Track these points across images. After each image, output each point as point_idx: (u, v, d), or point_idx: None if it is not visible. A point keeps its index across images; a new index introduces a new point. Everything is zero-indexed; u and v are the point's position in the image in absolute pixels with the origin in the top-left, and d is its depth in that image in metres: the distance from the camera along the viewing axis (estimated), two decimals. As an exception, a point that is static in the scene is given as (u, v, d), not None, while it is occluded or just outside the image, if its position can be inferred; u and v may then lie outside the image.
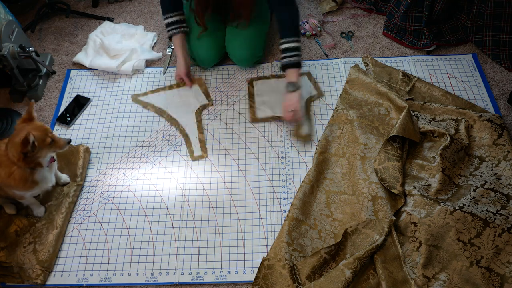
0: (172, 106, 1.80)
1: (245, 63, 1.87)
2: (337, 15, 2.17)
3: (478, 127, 1.62)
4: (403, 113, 1.60)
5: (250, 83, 1.85)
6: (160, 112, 1.79)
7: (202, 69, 1.94)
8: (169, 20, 1.73)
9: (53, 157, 1.41)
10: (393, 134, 1.54)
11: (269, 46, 2.03)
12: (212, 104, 1.78)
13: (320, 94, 1.82)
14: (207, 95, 1.83)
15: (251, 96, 1.81)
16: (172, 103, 1.82)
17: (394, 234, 1.39)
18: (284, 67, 1.64)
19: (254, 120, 1.74)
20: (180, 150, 1.69)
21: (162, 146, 1.70)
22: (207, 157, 1.64)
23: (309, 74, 1.88)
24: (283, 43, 1.61)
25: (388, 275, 1.32)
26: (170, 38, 1.79)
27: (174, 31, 1.74)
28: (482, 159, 1.56)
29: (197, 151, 1.67)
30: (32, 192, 1.40)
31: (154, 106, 1.81)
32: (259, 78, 1.87)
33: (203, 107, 1.79)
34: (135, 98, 1.85)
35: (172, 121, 1.75)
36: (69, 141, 1.38)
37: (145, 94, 1.86)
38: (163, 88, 1.87)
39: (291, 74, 1.62)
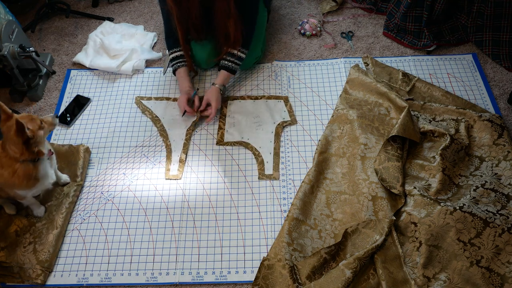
0: (168, 117, 1.78)
1: (244, 64, 1.86)
2: (337, 15, 2.17)
3: (478, 127, 1.62)
4: (403, 113, 1.60)
5: (225, 103, 1.81)
6: (155, 120, 1.77)
7: (202, 70, 1.94)
8: (174, 54, 1.78)
9: (50, 149, 1.41)
10: (393, 134, 1.54)
11: (269, 46, 2.03)
12: (198, 119, 1.75)
13: (294, 122, 1.74)
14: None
15: (222, 116, 1.77)
16: (169, 114, 1.79)
17: (394, 234, 1.39)
18: (224, 68, 1.76)
19: (220, 143, 1.69)
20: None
21: (162, 146, 1.70)
22: (180, 179, 1.60)
23: (285, 99, 1.81)
24: (239, 50, 1.74)
25: (388, 275, 1.32)
26: (174, 72, 1.81)
27: (179, 64, 1.79)
28: (482, 159, 1.56)
29: (174, 171, 1.63)
30: (34, 190, 1.40)
31: (152, 113, 1.80)
32: (235, 98, 1.82)
33: (196, 125, 1.75)
34: (138, 101, 1.84)
35: (163, 133, 1.73)
36: (56, 115, 1.41)
37: (149, 98, 1.85)
38: (168, 98, 1.85)
39: (227, 77, 1.77)
